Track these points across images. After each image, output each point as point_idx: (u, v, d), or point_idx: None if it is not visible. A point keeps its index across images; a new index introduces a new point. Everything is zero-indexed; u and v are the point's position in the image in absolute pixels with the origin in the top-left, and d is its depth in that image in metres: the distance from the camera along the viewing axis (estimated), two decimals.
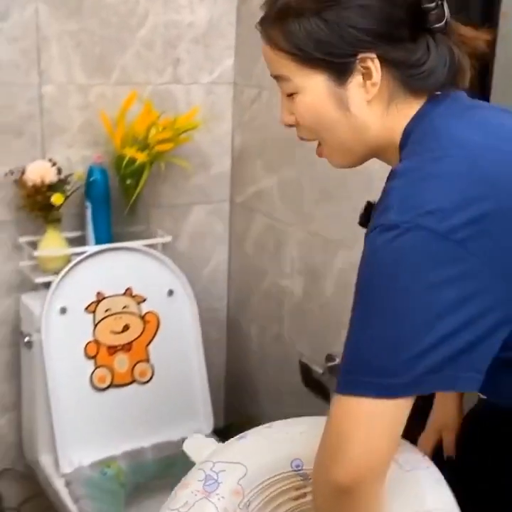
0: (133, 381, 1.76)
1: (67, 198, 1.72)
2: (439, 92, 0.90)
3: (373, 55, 0.86)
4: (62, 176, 1.72)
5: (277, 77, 0.92)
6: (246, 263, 2.10)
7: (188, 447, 1.13)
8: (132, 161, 1.75)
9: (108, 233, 1.81)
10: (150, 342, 1.78)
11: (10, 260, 1.82)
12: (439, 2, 0.87)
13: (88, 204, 1.78)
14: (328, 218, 1.75)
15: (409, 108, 0.89)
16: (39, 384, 1.69)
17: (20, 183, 1.70)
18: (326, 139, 0.93)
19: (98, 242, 1.79)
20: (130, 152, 1.71)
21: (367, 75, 0.87)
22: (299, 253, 1.87)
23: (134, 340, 1.76)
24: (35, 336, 1.68)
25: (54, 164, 1.72)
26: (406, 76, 0.87)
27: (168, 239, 1.88)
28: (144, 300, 1.78)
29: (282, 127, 0.99)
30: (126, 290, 1.75)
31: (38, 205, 1.69)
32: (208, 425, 1.83)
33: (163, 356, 1.79)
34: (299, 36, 0.87)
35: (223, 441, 1.74)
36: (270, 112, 1.88)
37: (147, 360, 1.78)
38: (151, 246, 1.82)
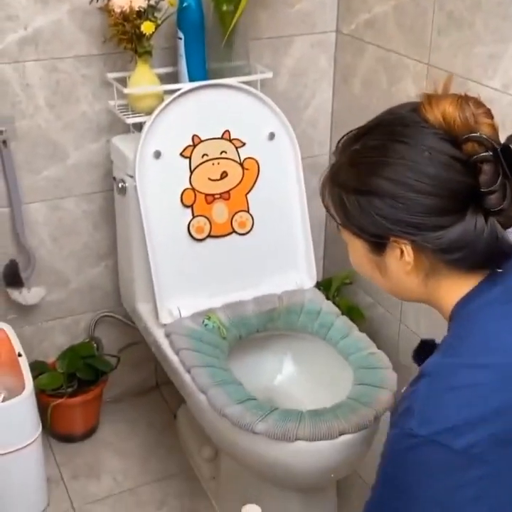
0: (232, 232, 1.64)
1: (158, 26, 1.54)
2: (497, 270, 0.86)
3: (405, 242, 0.84)
4: (152, 2, 1.52)
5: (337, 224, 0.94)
6: (353, 104, 1.89)
7: None
8: None
9: (203, 69, 1.64)
10: (250, 191, 1.65)
11: (99, 99, 1.68)
12: (502, 181, 0.80)
13: (181, 35, 1.59)
14: (454, 48, 1.50)
15: (454, 283, 0.87)
16: (135, 232, 1.61)
17: (106, 9, 1.53)
18: (376, 283, 0.95)
19: (192, 78, 1.62)
20: None
21: (402, 252, 0.86)
22: (416, 92, 1.64)
23: (233, 188, 1.63)
24: (129, 182, 1.57)
25: None
26: (442, 259, 0.85)
27: (269, 75, 1.69)
28: (244, 144, 1.62)
29: None
30: (224, 133, 1.59)
31: (127, 36, 1.52)
32: (311, 278, 1.71)
33: (263, 206, 1.66)
34: (338, 204, 0.89)
35: (324, 295, 1.65)
36: None
37: (247, 210, 1.65)
38: (249, 83, 1.63)
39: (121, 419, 1.96)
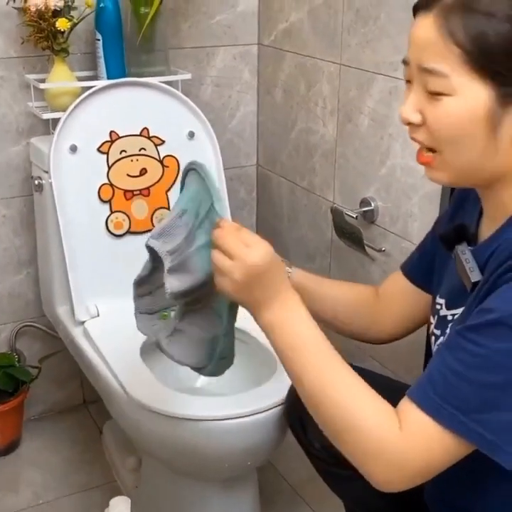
0: (153, 228, 1.64)
1: (75, 25, 1.56)
2: None
3: None
4: (68, 2, 1.55)
5: (427, 70, 0.79)
6: (276, 114, 1.93)
7: None
8: None
9: (121, 69, 1.66)
10: (170, 188, 1.65)
11: (18, 102, 1.68)
12: None
13: (99, 36, 1.62)
14: (362, 45, 1.56)
15: None
16: (53, 231, 1.59)
17: (23, 9, 1.55)
18: (448, 154, 0.83)
19: (111, 79, 1.63)
20: None
21: None
22: (331, 91, 1.69)
23: (153, 185, 1.63)
24: (46, 178, 1.56)
25: None
26: None
27: (187, 76, 1.72)
28: (163, 142, 1.63)
29: None
30: (143, 130, 1.61)
31: (43, 34, 1.54)
32: None
33: None
34: (487, 38, 0.75)
35: None
36: None
37: (167, 207, 1.65)
38: (170, 84, 1.66)
39: (46, 436, 1.89)
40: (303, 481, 1.72)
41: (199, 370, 1.03)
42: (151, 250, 0.99)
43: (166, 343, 0.99)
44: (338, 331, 1.19)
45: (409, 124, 0.85)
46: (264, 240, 0.90)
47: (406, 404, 0.81)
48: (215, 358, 1.00)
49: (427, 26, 0.79)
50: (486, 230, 0.91)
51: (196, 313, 0.98)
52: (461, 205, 1.01)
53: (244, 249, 0.87)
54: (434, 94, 0.80)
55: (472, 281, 0.88)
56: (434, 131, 0.82)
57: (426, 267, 1.08)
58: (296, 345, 0.87)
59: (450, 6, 0.78)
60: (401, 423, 0.80)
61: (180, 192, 1.02)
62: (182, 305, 0.98)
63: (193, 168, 0.99)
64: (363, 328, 1.17)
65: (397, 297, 1.15)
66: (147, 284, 1.06)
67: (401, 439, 0.79)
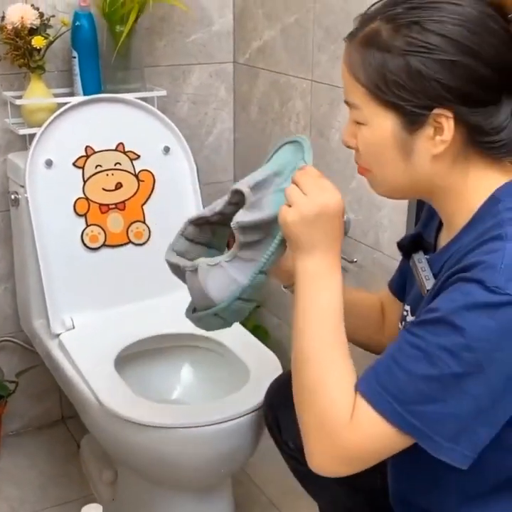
0: (128, 242, 1.66)
1: (51, 43, 1.59)
2: None
3: (449, 114, 0.81)
4: (44, 19, 1.58)
5: (347, 102, 0.88)
6: (252, 131, 1.96)
7: None
8: (121, 3, 1.61)
9: (97, 86, 1.69)
10: (146, 202, 1.68)
11: None
12: None
13: (75, 54, 1.65)
14: (332, 61, 1.60)
15: (485, 173, 0.86)
16: (29, 245, 1.60)
17: (0, 27, 1.58)
18: (377, 173, 0.90)
19: (87, 95, 1.66)
20: None
21: (438, 130, 0.82)
22: (304, 107, 1.73)
23: (128, 199, 1.65)
24: (22, 193, 1.59)
25: (37, 9, 1.59)
26: (478, 141, 0.83)
27: (162, 92, 1.75)
28: (138, 157, 1.66)
29: None
30: (118, 145, 1.63)
31: (20, 51, 1.57)
32: None
33: (159, 217, 1.68)
34: (379, 72, 0.81)
35: None
36: None
37: (143, 221, 1.67)
38: (145, 101, 1.69)
39: (24, 450, 1.89)
40: (280, 493, 1.73)
41: (209, 312, 0.98)
42: (239, 193, 0.97)
43: (206, 268, 0.96)
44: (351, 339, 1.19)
45: (348, 147, 0.92)
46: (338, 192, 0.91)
47: (357, 392, 0.84)
48: (232, 300, 0.95)
49: (342, 62, 0.87)
50: (443, 240, 0.94)
51: (245, 262, 0.96)
52: (431, 216, 1.04)
53: (320, 191, 0.88)
54: (357, 123, 0.87)
55: (427, 288, 0.91)
56: (361, 154, 0.90)
57: (404, 282, 1.10)
58: (315, 299, 0.87)
59: (355, 42, 0.84)
60: (353, 409, 0.82)
61: (270, 159, 1.01)
62: (238, 244, 0.96)
63: (292, 141, 0.99)
64: (365, 337, 1.17)
65: (388, 311, 1.17)
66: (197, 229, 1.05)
67: (347, 424, 0.82)
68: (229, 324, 1.01)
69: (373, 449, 0.82)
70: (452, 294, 0.79)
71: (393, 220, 1.50)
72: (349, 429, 0.81)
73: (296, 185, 0.89)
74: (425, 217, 1.06)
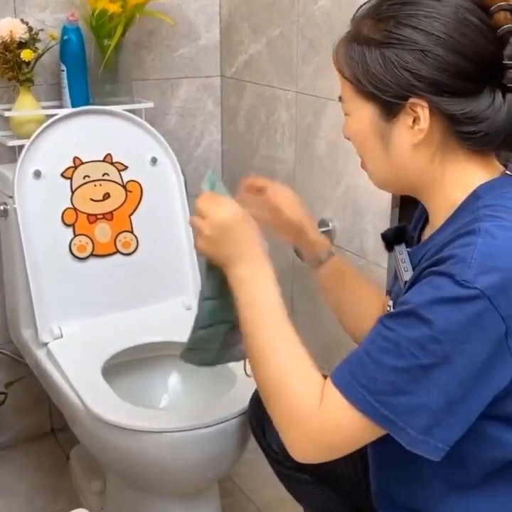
0: (116, 252, 1.67)
1: (40, 56, 1.62)
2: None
3: (424, 104, 0.83)
4: (33, 33, 1.61)
5: (339, 98, 0.93)
6: (239, 143, 1.99)
7: None
8: (108, 17, 1.64)
9: (86, 99, 1.72)
10: (133, 212, 1.70)
11: None
12: None
13: (63, 67, 1.68)
14: (315, 73, 1.63)
15: (464, 166, 0.87)
16: (18, 255, 1.62)
17: None
18: (368, 164, 0.94)
19: (75, 107, 1.69)
20: (102, 3, 1.59)
21: (417, 119, 0.85)
22: (289, 118, 1.76)
23: (116, 209, 1.67)
24: (10, 203, 1.60)
25: (26, 23, 1.62)
26: (458, 131, 0.85)
27: (150, 104, 1.78)
28: (126, 168, 1.68)
29: None
30: (106, 156, 1.66)
31: (9, 64, 1.60)
32: None
33: (147, 227, 1.70)
34: (358, 65, 0.86)
35: None
36: None
37: (131, 231, 1.69)
38: (133, 113, 1.72)
39: (13, 463, 1.89)
40: (269, 502, 1.73)
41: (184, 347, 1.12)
42: None
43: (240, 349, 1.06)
44: (341, 323, 1.22)
45: (347, 138, 0.95)
46: (237, 203, 0.96)
47: (328, 380, 0.85)
48: (192, 330, 1.06)
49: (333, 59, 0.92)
50: (427, 234, 0.96)
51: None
52: (421, 215, 1.05)
53: (215, 208, 0.94)
54: (345, 115, 0.93)
55: (404, 280, 0.92)
56: (354, 145, 0.95)
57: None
58: (254, 304, 0.91)
59: (342, 39, 0.90)
60: (322, 397, 0.83)
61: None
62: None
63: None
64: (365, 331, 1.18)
65: None
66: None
67: (317, 411, 0.83)
68: (220, 359, 1.14)
69: (345, 435, 0.83)
70: (423, 287, 0.81)
71: (377, 226, 1.52)
72: (318, 414, 0.83)
73: (196, 212, 0.96)
74: (416, 216, 1.08)
